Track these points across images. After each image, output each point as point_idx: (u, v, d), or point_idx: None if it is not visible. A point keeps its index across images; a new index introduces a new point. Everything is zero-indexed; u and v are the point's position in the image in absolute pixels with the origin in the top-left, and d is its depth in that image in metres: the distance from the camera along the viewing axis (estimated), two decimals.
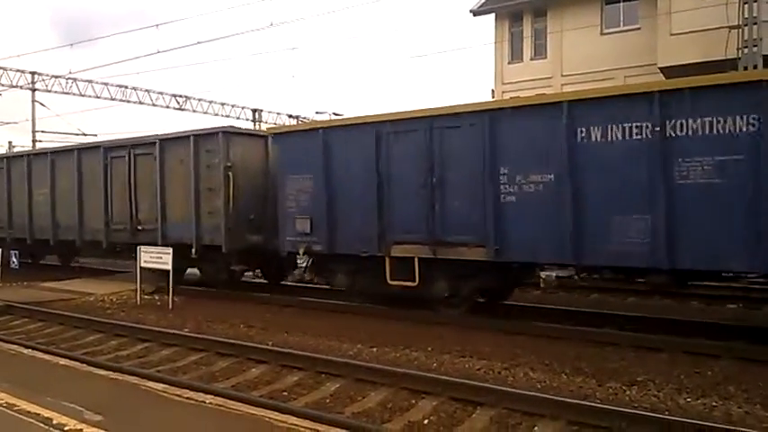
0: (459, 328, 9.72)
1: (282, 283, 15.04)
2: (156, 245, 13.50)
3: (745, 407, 6.14)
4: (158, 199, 14.24)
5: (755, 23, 15.30)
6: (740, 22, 15.40)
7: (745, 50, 15.35)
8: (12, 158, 19.02)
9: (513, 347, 8.52)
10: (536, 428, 5.71)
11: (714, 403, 6.25)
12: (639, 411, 5.90)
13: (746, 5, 15.32)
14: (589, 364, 7.60)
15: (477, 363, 7.89)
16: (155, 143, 14.55)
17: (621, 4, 22.08)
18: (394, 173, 10.64)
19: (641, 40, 20.71)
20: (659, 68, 18.46)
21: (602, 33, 22.36)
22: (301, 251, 11.86)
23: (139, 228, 14.82)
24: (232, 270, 13.89)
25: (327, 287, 12.87)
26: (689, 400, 6.38)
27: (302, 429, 5.14)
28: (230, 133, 13.56)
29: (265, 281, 15.42)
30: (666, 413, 5.94)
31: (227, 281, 13.97)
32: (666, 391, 6.60)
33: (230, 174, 13.00)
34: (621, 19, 22.14)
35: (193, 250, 13.44)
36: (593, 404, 6.11)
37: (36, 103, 32.97)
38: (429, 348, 8.61)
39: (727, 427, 5.42)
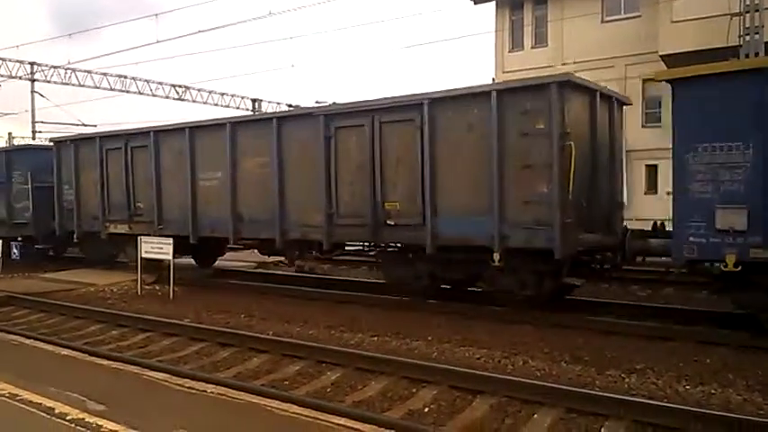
0: (460, 318, 9.74)
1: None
2: (418, 246, 10.31)
3: (744, 394, 6.17)
4: (425, 182, 10.08)
5: (757, 11, 15.22)
6: (742, 10, 15.31)
7: (747, 38, 15.28)
8: (161, 133, 14.10)
9: (513, 336, 8.55)
10: (535, 416, 5.74)
11: (713, 391, 6.28)
12: (638, 399, 5.93)
13: None
14: (588, 353, 7.64)
15: (478, 351, 7.93)
16: (419, 105, 10.10)
17: None
18: None
19: (642, 27, 20.63)
20: (660, 56, 18.40)
21: (602, 21, 22.27)
22: (730, 260, 7.73)
23: (390, 222, 10.57)
24: (562, 284, 9.86)
25: (320, 276, 12.88)
26: (688, 387, 6.41)
27: (303, 418, 5.18)
28: (568, 85, 9.19)
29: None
30: (665, 400, 5.97)
31: (549, 300, 9.83)
32: (665, 379, 6.64)
33: (569, 145, 8.99)
34: (622, 6, 22.04)
35: (496, 256, 9.41)
36: (592, 392, 6.14)
37: (35, 94, 32.91)
38: (429, 338, 8.64)
39: (726, 413, 5.46)
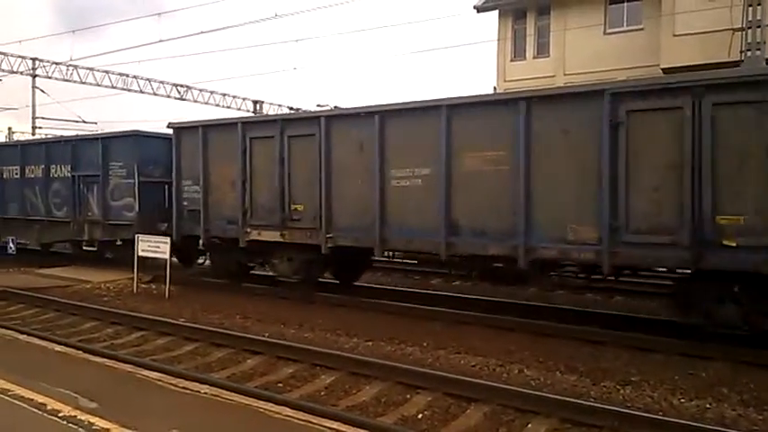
0: (455, 324, 9.72)
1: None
2: None
3: (739, 409, 6.16)
4: None
5: (759, 26, 15.28)
6: (744, 25, 15.38)
7: (749, 53, 15.34)
8: (335, 119, 11.38)
9: (508, 344, 8.53)
10: (529, 425, 5.73)
11: (708, 405, 6.27)
12: (633, 411, 5.92)
13: (750, 8, 15.31)
14: (583, 363, 7.62)
15: (472, 359, 7.91)
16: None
17: (625, 4, 22.05)
18: None
19: (644, 40, 20.71)
20: (662, 69, 18.46)
21: (605, 33, 22.34)
22: None
23: (727, 243, 7.66)
24: None
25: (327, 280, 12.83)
26: (683, 400, 6.40)
27: (297, 421, 5.16)
28: None
29: None
30: (660, 413, 5.96)
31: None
32: (660, 392, 6.63)
33: None
34: (625, 19, 22.12)
35: None
36: (586, 402, 6.13)
37: (36, 90, 32.89)
38: (424, 343, 8.62)
39: (720, 429, 5.45)
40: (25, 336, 8.65)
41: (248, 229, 12.31)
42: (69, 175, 15.95)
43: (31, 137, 31.49)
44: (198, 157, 13.04)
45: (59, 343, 8.25)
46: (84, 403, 5.32)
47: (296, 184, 11.69)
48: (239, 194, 12.36)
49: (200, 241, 13.36)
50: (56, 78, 32.24)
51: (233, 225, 12.57)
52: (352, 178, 10.95)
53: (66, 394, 5.51)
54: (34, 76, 32.35)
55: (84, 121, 32.97)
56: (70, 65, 31.33)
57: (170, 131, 13.84)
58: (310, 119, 11.75)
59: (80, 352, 7.71)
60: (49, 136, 27.05)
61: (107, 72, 32.61)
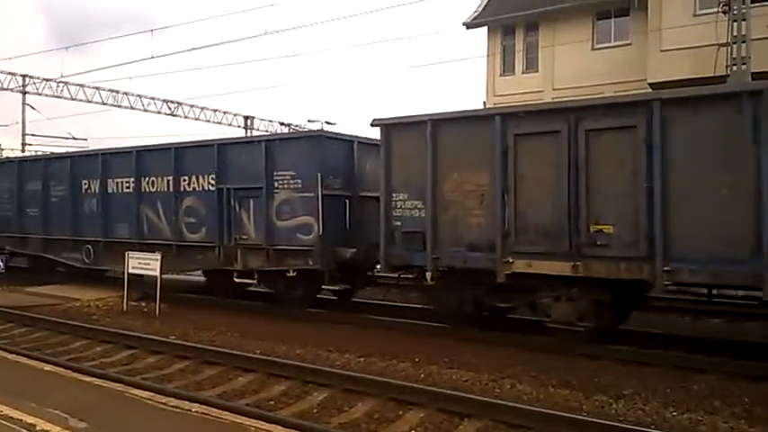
0: (448, 339, 9.71)
1: None
2: None
3: (731, 422, 6.17)
4: None
5: (744, 42, 15.50)
6: (729, 40, 15.59)
7: (734, 68, 15.54)
8: (672, 104, 8.34)
9: (501, 359, 8.53)
10: None
11: (700, 417, 6.28)
12: (625, 425, 5.92)
13: (735, 23, 15.53)
14: (576, 377, 7.62)
15: (465, 374, 7.90)
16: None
17: (613, 19, 22.32)
18: None
19: (632, 55, 20.93)
20: (649, 84, 18.66)
21: (593, 48, 22.57)
22: None
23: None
24: None
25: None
26: (675, 414, 6.41)
27: None
28: None
29: None
30: (652, 426, 5.96)
31: None
32: (653, 405, 6.63)
33: None
34: (612, 34, 22.37)
35: None
36: (579, 417, 6.13)
37: (27, 107, 32.79)
38: (416, 359, 8.60)
39: None
40: (14, 355, 8.56)
41: (510, 258, 9.31)
42: (213, 188, 12.87)
43: (40, 152, 31.28)
44: (422, 161, 10.03)
45: (49, 362, 8.17)
46: (73, 423, 5.27)
47: (600, 196, 8.71)
48: (495, 211, 9.44)
49: (428, 274, 10.00)
50: (46, 95, 32.15)
51: (479, 252, 9.62)
52: (711, 187, 7.99)
53: (56, 414, 5.45)
54: (24, 93, 32.27)
55: (75, 138, 32.83)
56: (60, 81, 31.27)
57: (336, 130, 12.29)
58: (629, 105, 8.84)
59: (70, 371, 7.64)
60: (36, 152, 26.96)
61: (98, 88, 32.57)
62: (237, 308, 13.05)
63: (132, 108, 34.32)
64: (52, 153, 17.39)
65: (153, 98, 34.90)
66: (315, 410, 6.64)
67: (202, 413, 5.79)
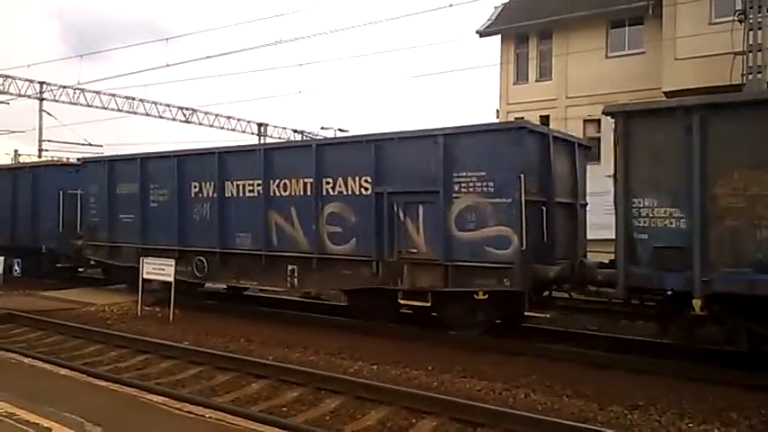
0: (461, 348, 9.68)
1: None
2: None
3: None
4: None
5: (760, 50, 15.39)
6: (745, 49, 15.48)
7: (750, 77, 15.42)
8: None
9: (515, 368, 8.49)
10: None
11: (716, 429, 6.22)
12: None
13: (751, 32, 15.43)
14: (590, 387, 7.57)
15: (478, 383, 7.87)
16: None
17: (627, 28, 22.21)
18: None
19: (646, 64, 20.82)
20: (663, 93, 18.56)
21: (606, 57, 22.47)
22: None
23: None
24: None
25: (322, 301, 12.75)
26: (690, 425, 6.35)
27: None
28: None
29: None
30: None
31: None
32: (668, 416, 6.58)
33: None
34: (626, 43, 22.26)
35: None
36: (594, 427, 6.08)
37: (43, 113, 33.17)
38: (429, 367, 8.58)
39: None
40: (30, 359, 8.62)
41: None
42: (368, 192, 10.98)
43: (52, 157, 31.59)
44: (682, 158, 8.11)
45: (64, 366, 8.22)
46: (89, 428, 5.29)
47: None
48: None
49: (695, 303, 7.94)
50: (62, 102, 32.53)
51: None
52: None
53: (72, 419, 5.48)
54: (41, 100, 32.66)
55: (90, 144, 33.17)
56: (77, 88, 31.63)
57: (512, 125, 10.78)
58: None
59: (85, 375, 7.68)
60: (52, 158, 27.22)
61: (113, 95, 32.91)
62: (250, 314, 13.08)
63: (147, 115, 34.67)
64: (154, 152, 15.58)
65: (168, 105, 35.26)
66: (327, 417, 6.64)
67: (216, 419, 5.80)
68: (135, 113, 34.20)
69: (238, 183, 12.96)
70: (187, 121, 36.03)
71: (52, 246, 17.83)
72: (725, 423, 6.38)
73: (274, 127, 40.00)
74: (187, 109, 35.88)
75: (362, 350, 9.53)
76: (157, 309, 13.37)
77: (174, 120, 35.60)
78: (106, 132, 66.52)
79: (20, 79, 30.99)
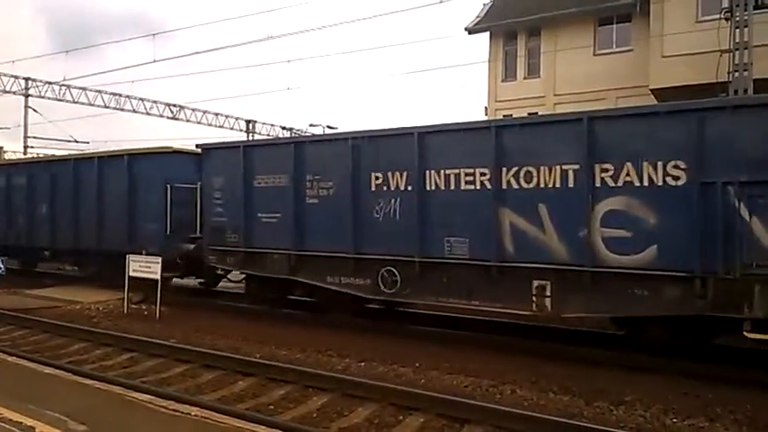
0: (448, 345, 9.69)
1: None
2: None
3: (732, 429, 6.16)
4: None
5: (746, 48, 15.50)
6: (731, 47, 15.59)
7: (736, 74, 15.53)
8: None
9: (501, 365, 8.51)
10: None
11: (701, 424, 6.27)
12: (625, 431, 5.90)
13: (738, 30, 15.53)
14: (577, 383, 7.60)
15: (465, 379, 7.88)
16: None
17: (614, 25, 22.33)
18: None
19: (634, 61, 20.93)
20: (651, 90, 18.66)
21: (594, 54, 22.58)
22: None
23: None
24: None
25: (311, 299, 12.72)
26: (675, 420, 6.39)
27: None
28: None
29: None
30: None
31: None
32: (653, 412, 6.62)
33: None
34: (614, 40, 22.37)
35: None
36: (579, 423, 6.11)
37: (29, 109, 32.86)
38: (417, 364, 8.58)
39: None
40: (14, 357, 8.54)
41: None
42: (682, 181, 8.08)
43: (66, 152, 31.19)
44: None
45: (48, 365, 8.15)
46: (73, 426, 5.24)
47: None
48: None
49: None
50: (48, 98, 32.27)
51: None
52: None
53: (56, 417, 5.43)
54: (27, 96, 32.35)
55: (77, 141, 32.91)
56: (63, 84, 31.38)
57: None
58: None
59: (70, 374, 7.62)
60: (38, 155, 26.94)
61: (100, 92, 32.66)
62: (238, 312, 13.02)
63: (135, 111, 34.45)
64: (313, 135, 12.77)
65: (155, 102, 35.04)
66: (315, 415, 6.62)
67: (202, 417, 5.76)
68: (122, 110, 34.01)
69: (449, 172, 9.86)
70: (174, 118, 35.87)
71: (157, 251, 13.59)
72: (710, 417, 6.44)
73: (263, 124, 39.89)
74: (174, 105, 35.71)
75: (350, 348, 9.52)
76: (144, 307, 13.29)
77: (161, 116, 35.42)
78: (91, 129, 66.00)
79: (5, 75, 30.75)
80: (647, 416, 6.52)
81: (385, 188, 10.59)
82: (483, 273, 9.51)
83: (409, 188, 10.28)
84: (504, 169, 9.37)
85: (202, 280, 15.21)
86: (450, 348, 9.45)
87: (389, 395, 6.93)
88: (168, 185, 14.50)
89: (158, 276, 12.22)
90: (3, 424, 5.31)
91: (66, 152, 26.50)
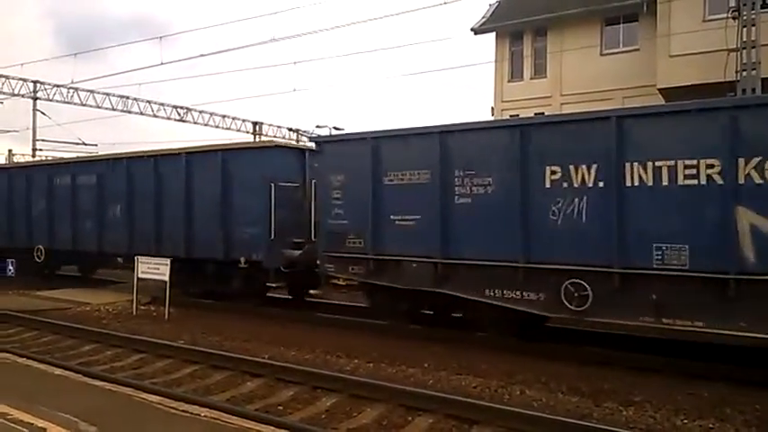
0: (456, 345, 9.69)
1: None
2: None
3: (742, 429, 6.13)
4: None
5: (754, 47, 15.42)
6: (739, 46, 15.52)
7: (744, 73, 15.46)
8: None
9: (510, 365, 8.50)
10: None
11: (711, 425, 6.24)
12: None
13: (745, 29, 15.46)
14: (586, 384, 7.59)
15: (474, 380, 7.88)
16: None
17: (621, 25, 22.26)
18: None
19: (640, 61, 20.86)
20: (658, 90, 18.60)
21: (601, 54, 22.52)
22: None
23: None
24: None
25: (318, 300, 12.60)
26: (685, 421, 6.37)
27: None
28: None
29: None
30: None
31: None
32: (663, 412, 6.59)
33: None
34: (621, 40, 22.31)
35: None
36: (589, 424, 6.09)
37: (37, 112, 33.05)
38: (425, 365, 8.58)
39: None
40: (24, 359, 8.58)
41: None
42: None
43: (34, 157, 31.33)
44: None
45: (59, 366, 8.19)
46: (84, 427, 5.27)
47: None
48: None
49: None
50: (56, 101, 32.42)
51: None
52: None
53: (66, 418, 5.46)
54: (35, 99, 32.54)
55: (85, 143, 33.06)
56: (71, 87, 31.52)
57: None
58: None
59: (79, 375, 7.65)
60: (46, 157, 27.04)
61: (107, 94, 32.80)
62: (246, 313, 13.05)
63: (142, 114, 34.59)
64: (463, 122, 10.29)
65: (162, 104, 35.18)
66: (323, 416, 6.63)
67: (211, 417, 5.79)
68: (129, 112, 34.15)
69: (660, 164, 8.20)
70: (181, 120, 35.98)
71: (260, 257, 12.63)
72: (720, 418, 6.41)
73: (269, 125, 39.98)
74: (181, 108, 35.83)
75: (358, 348, 9.53)
76: (152, 308, 13.34)
77: (168, 118, 35.55)
78: (101, 132, 66.35)
79: (13, 78, 30.89)
80: (657, 416, 6.49)
81: (565, 184, 8.88)
82: (715, 288, 7.76)
83: (600, 184, 8.62)
84: (743, 160, 7.68)
85: (312, 291, 14.14)
86: (458, 349, 9.44)
87: (398, 396, 6.93)
88: (272, 184, 12.66)
89: (167, 278, 12.27)
90: (14, 425, 5.34)
91: (74, 154, 26.63)
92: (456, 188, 9.74)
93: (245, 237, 13.09)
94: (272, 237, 12.61)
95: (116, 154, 16.88)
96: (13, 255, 17.88)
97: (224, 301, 13.72)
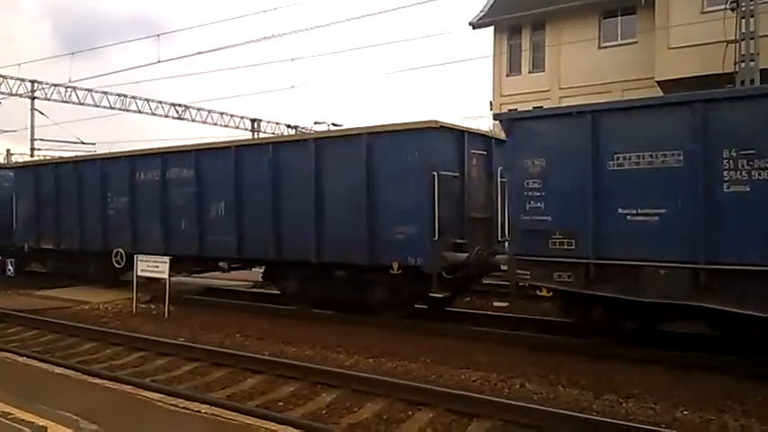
0: (456, 339, 9.70)
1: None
2: None
3: (742, 420, 6.13)
4: None
5: (753, 38, 15.40)
6: (737, 37, 15.49)
7: (743, 65, 15.44)
8: None
9: (511, 359, 8.50)
10: None
11: (711, 417, 6.24)
12: (635, 424, 5.89)
13: (744, 20, 15.44)
14: (586, 377, 7.59)
15: (474, 374, 7.88)
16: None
17: (619, 18, 22.24)
18: None
19: (639, 53, 20.85)
20: (657, 82, 18.59)
21: (599, 47, 22.51)
22: None
23: None
24: None
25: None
26: (686, 413, 6.37)
27: None
28: None
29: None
30: (663, 426, 5.93)
31: None
32: (663, 405, 6.59)
33: None
34: (619, 33, 22.29)
35: None
36: (589, 416, 6.10)
37: (35, 112, 33.01)
38: (426, 359, 8.58)
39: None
40: (24, 358, 8.58)
41: None
42: None
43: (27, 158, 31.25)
44: None
45: (59, 365, 8.19)
46: (84, 425, 5.27)
47: None
48: None
49: None
50: (54, 100, 32.39)
51: None
52: None
53: (67, 417, 5.46)
54: (33, 98, 32.50)
55: (83, 142, 33.02)
56: (69, 86, 31.48)
57: None
58: None
59: (80, 374, 7.65)
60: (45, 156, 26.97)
61: (105, 93, 32.75)
62: (246, 310, 13.05)
63: (140, 112, 34.55)
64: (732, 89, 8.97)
65: (160, 102, 35.15)
66: (324, 411, 6.63)
67: (212, 414, 5.79)
68: (127, 111, 34.12)
69: None
70: (180, 118, 35.97)
71: (420, 261, 10.52)
72: (720, 410, 6.40)
73: (268, 122, 39.98)
74: (180, 105, 35.80)
75: (358, 344, 9.53)
76: (152, 306, 13.35)
77: (166, 116, 35.53)
78: (99, 131, 66.34)
79: (11, 78, 30.83)
80: (657, 408, 6.49)
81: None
82: None
83: None
84: None
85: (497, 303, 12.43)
86: (459, 343, 9.45)
87: (398, 391, 6.93)
88: (435, 174, 10.43)
89: (167, 276, 12.27)
90: (15, 424, 5.35)
91: (72, 153, 26.60)
92: (724, 173, 7.57)
93: (398, 237, 10.81)
94: (437, 237, 10.47)
95: (222, 142, 14.65)
96: (83, 258, 16.29)
97: (359, 313, 11.61)
